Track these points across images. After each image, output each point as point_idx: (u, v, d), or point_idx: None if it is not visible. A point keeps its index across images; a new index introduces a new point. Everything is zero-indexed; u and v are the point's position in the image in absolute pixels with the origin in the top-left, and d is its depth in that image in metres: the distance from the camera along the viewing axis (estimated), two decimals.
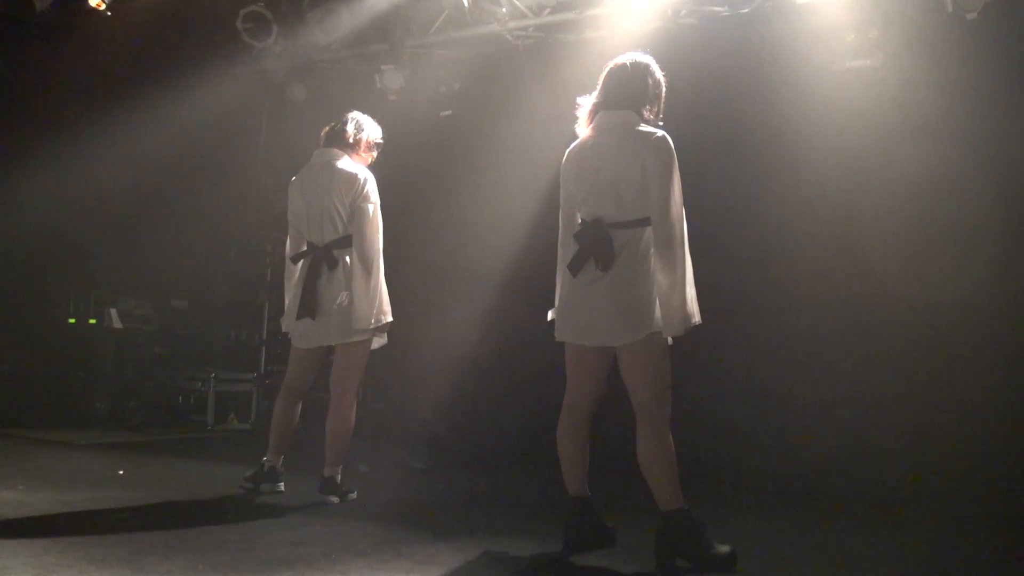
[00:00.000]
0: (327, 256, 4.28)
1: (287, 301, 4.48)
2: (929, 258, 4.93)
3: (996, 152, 4.90)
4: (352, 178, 4.29)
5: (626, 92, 3.36)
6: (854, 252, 5.17)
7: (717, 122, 5.63)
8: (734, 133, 5.65)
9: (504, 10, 6.14)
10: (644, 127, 3.31)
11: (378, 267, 4.30)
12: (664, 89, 3.44)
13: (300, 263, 4.41)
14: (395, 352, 4.92)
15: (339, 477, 4.27)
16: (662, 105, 3.44)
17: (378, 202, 4.34)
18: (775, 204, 5.46)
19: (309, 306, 4.26)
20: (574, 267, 3.34)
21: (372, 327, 4.27)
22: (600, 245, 3.27)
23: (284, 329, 4.52)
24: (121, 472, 4.85)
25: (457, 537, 3.56)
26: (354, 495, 4.31)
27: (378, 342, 4.42)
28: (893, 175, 5.08)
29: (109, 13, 5.77)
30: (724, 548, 3.20)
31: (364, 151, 4.47)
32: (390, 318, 4.35)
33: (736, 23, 5.72)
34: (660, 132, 3.28)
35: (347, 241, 4.29)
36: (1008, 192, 4.86)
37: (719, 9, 5.77)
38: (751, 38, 5.67)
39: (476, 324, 6.35)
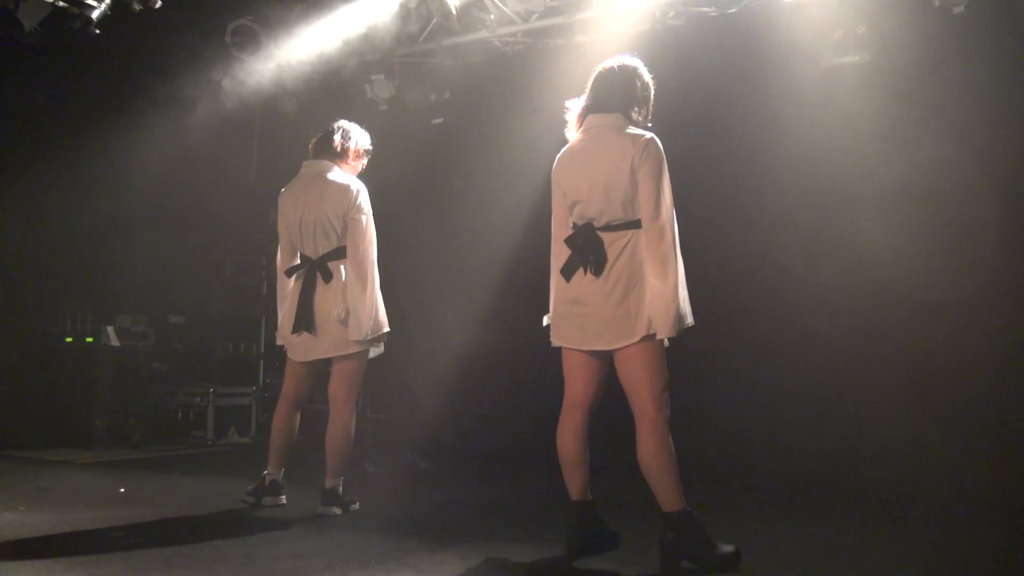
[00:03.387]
0: (321, 268, 4.28)
1: (280, 314, 4.46)
2: (922, 254, 4.92)
3: (987, 146, 4.90)
4: (344, 189, 4.28)
5: (615, 95, 3.38)
6: (847, 249, 5.17)
7: (707, 122, 5.64)
8: (725, 133, 5.66)
9: (492, 17, 6.16)
10: (633, 130, 3.32)
11: (373, 278, 4.29)
12: (652, 91, 3.46)
13: (294, 276, 4.40)
14: (394, 359, 4.92)
15: (341, 488, 4.26)
16: (651, 107, 3.46)
17: (371, 212, 4.34)
18: (767, 203, 5.46)
19: (306, 319, 4.25)
20: (567, 272, 3.34)
21: (369, 338, 4.26)
22: (592, 249, 3.28)
23: (279, 343, 4.51)
24: (122, 490, 4.84)
25: (461, 544, 3.55)
26: (356, 506, 4.31)
27: (375, 352, 4.41)
28: (885, 171, 5.08)
29: (98, 31, 5.76)
30: (728, 548, 3.20)
31: (353, 159, 4.46)
32: (387, 328, 4.35)
33: (724, 23, 5.74)
34: (649, 134, 3.29)
35: (341, 252, 4.29)
36: (1001, 186, 4.85)
37: (707, 10, 5.79)
38: (739, 38, 5.68)
39: (472, 330, 6.36)
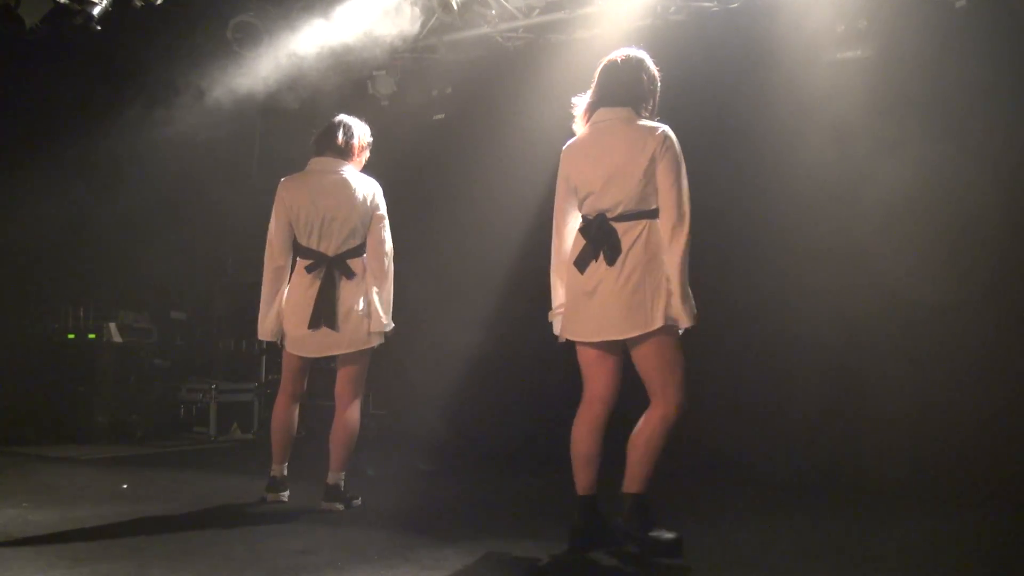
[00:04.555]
0: (340, 266, 4.26)
1: (272, 308, 4.33)
2: (922, 250, 4.92)
3: (990, 141, 4.89)
4: (370, 190, 4.32)
5: (622, 88, 3.38)
6: (847, 245, 5.17)
7: (709, 118, 5.62)
8: (726, 128, 5.65)
9: (494, 12, 6.16)
10: (644, 122, 3.33)
11: (392, 276, 4.33)
12: (659, 84, 3.46)
13: (293, 272, 4.36)
14: (398, 357, 4.91)
15: (343, 484, 4.26)
16: (657, 100, 3.46)
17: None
18: (767, 199, 5.46)
19: (327, 315, 4.22)
20: (581, 263, 3.35)
21: (387, 331, 4.29)
22: (606, 239, 3.28)
23: (272, 338, 4.37)
24: (125, 486, 4.85)
25: (463, 540, 3.55)
26: (359, 502, 4.31)
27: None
28: (886, 166, 5.08)
29: (99, 27, 5.76)
30: (671, 534, 3.20)
31: (359, 154, 4.47)
32: (392, 324, 4.35)
33: (725, 18, 5.73)
34: (663, 127, 3.31)
35: (360, 250, 4.30)
36: (1003, 182, 4.85)
37: (708, 5, 5.78)
38: (740, 33, 5.68)
39: (476, 327, 6.36)
